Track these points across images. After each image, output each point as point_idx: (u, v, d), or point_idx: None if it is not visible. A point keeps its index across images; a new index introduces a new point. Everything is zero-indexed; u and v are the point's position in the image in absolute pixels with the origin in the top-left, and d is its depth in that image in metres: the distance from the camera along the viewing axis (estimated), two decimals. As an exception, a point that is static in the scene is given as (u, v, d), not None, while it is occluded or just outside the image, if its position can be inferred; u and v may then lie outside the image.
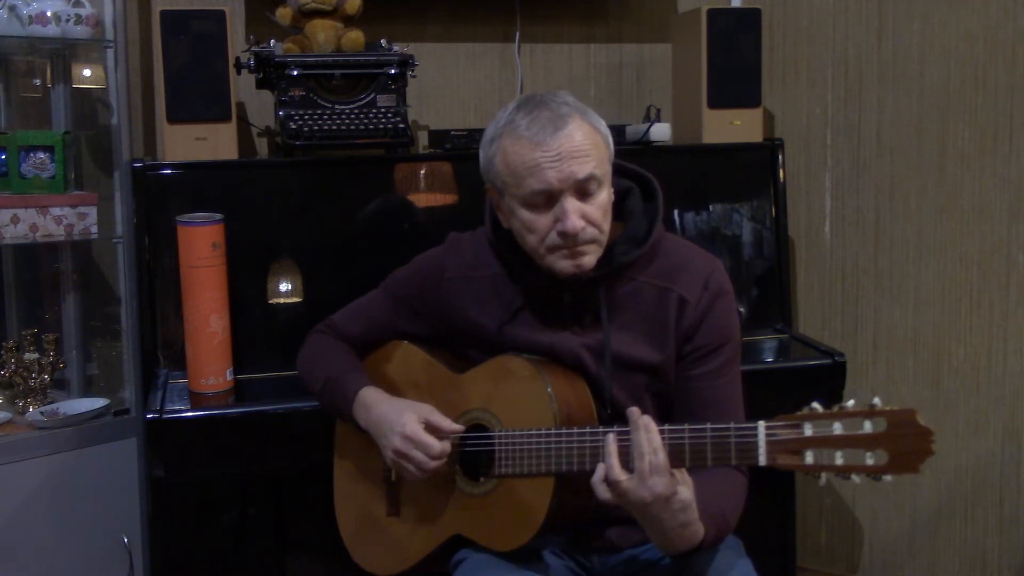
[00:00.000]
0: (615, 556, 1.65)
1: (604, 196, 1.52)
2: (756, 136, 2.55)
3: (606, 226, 1.53)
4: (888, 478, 1.26)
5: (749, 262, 2.52)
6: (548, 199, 1.48)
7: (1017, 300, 2.49)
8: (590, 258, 1.52)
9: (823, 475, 1.30)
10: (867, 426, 1.27)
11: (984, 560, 2.59)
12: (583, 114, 1.51)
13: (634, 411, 1.39)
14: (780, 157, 2.55)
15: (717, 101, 2.51)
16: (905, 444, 1.25)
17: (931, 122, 2.56)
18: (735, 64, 2.51)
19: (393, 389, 1.71)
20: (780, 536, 2.50)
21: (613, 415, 1.58)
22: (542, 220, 1.50)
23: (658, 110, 2.64)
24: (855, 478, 1.28)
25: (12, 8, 2.23)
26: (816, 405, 1.31)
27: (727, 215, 2.52)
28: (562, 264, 1.52)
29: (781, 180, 2.55)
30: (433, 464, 1.56)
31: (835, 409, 1.29)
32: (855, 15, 2.65)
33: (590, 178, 1.48)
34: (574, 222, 1.47)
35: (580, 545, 1.65)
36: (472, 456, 1.61)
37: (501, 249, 1.63)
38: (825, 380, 2.26)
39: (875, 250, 2.68)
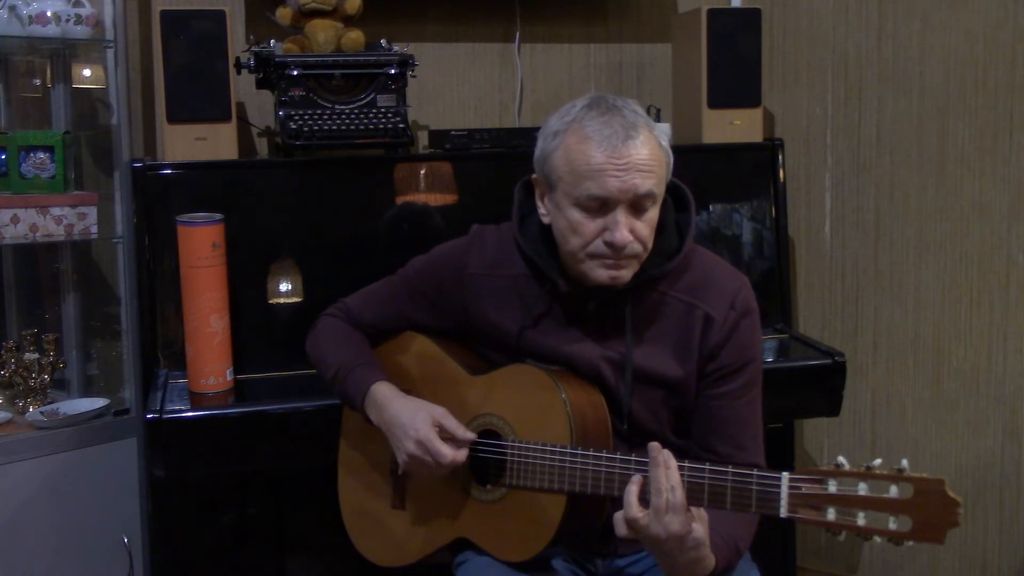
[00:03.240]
0: (618, 560, 1.64)
1: (654, 214, 1.49)
2: (756, 136, 2.55)
3: (650, 244, 1.51)
4: (910, 544, 1.24)
5: (749, 262, 2.52)
6: (602, 205, 1.45)
7: (1017, 300, 2.48)
8: (627, 272, 1.50)
9: (843, 532, 1.27)
10: (893, 490, 1.23)
11: (984, 560, 2.59)
12: (651, 128, 1.48)
13: (654, 447, 1.37)
14: (780, 157, 2.55)
15: (717, 101, 2.51)
16: (931, 513, 1.22)
17: (931, 122, 2.56)
18: (735, 64, 2.51)
19: (405, 381, 1.70)
20: (780, 536, 2.51)
21: (630, 429, 1.56)
22: (591, 225, 1.47)
23: (658, 110, 2.64)
24: (876, 539, 1.25)
25: (12, 8, 2.23)
26: (842, 460, 1.27)
27: (727, 215, 2.52)
28: (599, 272, 1.49)
29: (781, 180, 2.55)
30: (441, 472, 1.55)
31: (862, 468, 1.25)
32: (855, 15, 2.65)
33: (648, 195, 1.45)
34: (624, 235, 1.44)
35: (584, 550, 1.64)
36: (481, 459, 1.60)
37: (527, 249, 1.60)
38: (825, 380, 2.26)
39: (875, 250, 2.68)
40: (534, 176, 1.57)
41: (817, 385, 2.27)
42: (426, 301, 1.72)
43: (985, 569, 2.59)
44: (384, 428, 1.62)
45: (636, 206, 1.46)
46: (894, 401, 2.68)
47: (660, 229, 1.55)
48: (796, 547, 2.60)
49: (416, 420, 1.56)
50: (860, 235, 2.70)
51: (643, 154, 1.44)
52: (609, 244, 1.46)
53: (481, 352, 1.69)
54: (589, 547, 1.63)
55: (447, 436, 1.55)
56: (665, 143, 1.50)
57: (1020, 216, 2.46)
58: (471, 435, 1.56)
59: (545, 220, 1.56)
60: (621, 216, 1.45)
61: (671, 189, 1.60)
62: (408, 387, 1.69)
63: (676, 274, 1.57)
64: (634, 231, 1.46)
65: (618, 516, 1.37)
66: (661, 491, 1.33)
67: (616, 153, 1.43)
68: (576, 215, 1.47)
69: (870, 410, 2.71)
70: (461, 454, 1.55)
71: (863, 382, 2.71)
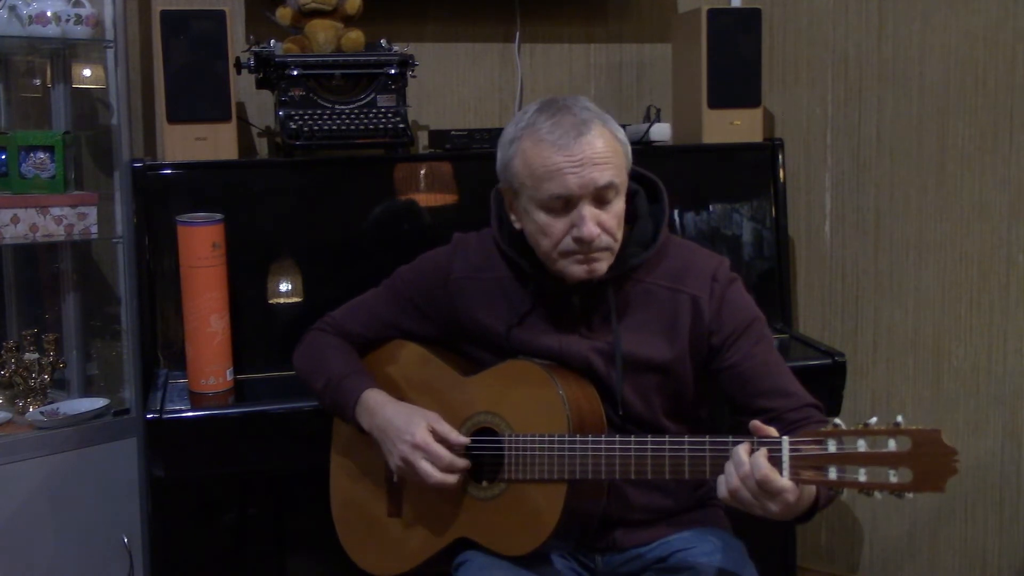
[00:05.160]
0: (618, 556, 1.65)
1: (620, 204, 1.52)
2: (756, 136, 2.55)
3: (619, 234, 1.53)
4: (910, 495, 1.27)
5: (749, 262, 2.52)
6: (565, 204, 1.49)
7: (1017, 300, 2.48)
8: (602, 264, 1.52)
9: (844, 490, 1.30)
10: (891, 444, 1.27)
11: (984, 560, 2.59)
12: (604, 121, 1.52)
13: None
14: (780, 157, 2.55)
15: (717, 101, 2.51)
16: (930, 463, 1.25)
17: (931, 122, 2.56)
18: (735, 64, 2.51)
19: (396, 390, 1.70)
20: (780, 536, 2.50)
21: (625, 417, 1.58)
22: (558, 224, 1.50)
23: (658, 110, 2.64)
24: (877, 495, 1.28)
25: (12, 8, 2.23)
26: (839, 422, 1.31)
27: (727, 215, 2.52)
28: (574, 269, 1.52)
29: (781, 180, 2.55)
30: (439, 476, 1.55)
31: (859, 427, 1.29)
32: (855, 15, 2.65)
33: (609, 186, 1.48)
34: (591, 229, 1.47)
35: (584, 545, 1.65)
36: (476, 459, 1.60)
37: (508, 251, 1.63)
38: (825, 380, 2.26)
39: (875, 250, 2.68)
40: (500, 186, 1.61)
41: (817, 385, 2.23)
42: (414, 309, 1.74)
43: (985, 569, 2.59)
44: (376, 434, 1.63)
45: (599, 198, 1.49)
46: (894, 401, 2.68)
47: (635, 220, 1.60)
48: (796, 547, 2.59)
49: (411, 424, 1.57)
50: (860, 235, 2.70)
51: (597, 147, 1.47)
52: (578, 240, 1.49)
53: (472, 355, 1.70)
54: (588, 541, 1.64)
55: (440, 440, 1.57)
56: (621, 134, 1.54)
57: (1020, 216, 2.46)
58: (464, 439, 1.58)
59: (517, 227, 1.59)
60: (585, 211, 1.48)
61: (643, 181, 1.63)
62: (400, 395, 1.69)
63: (655, 262, 1.60)
64: (601, 223, 1.49)
65: (724, 480, 1.36)
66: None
67: (570, 151, 1.46)
68: (543, 217, 1.51)
69: (870, 410, 2.71)
70: (460, 460, 1.56)
71: (863, 382, 2.71)
